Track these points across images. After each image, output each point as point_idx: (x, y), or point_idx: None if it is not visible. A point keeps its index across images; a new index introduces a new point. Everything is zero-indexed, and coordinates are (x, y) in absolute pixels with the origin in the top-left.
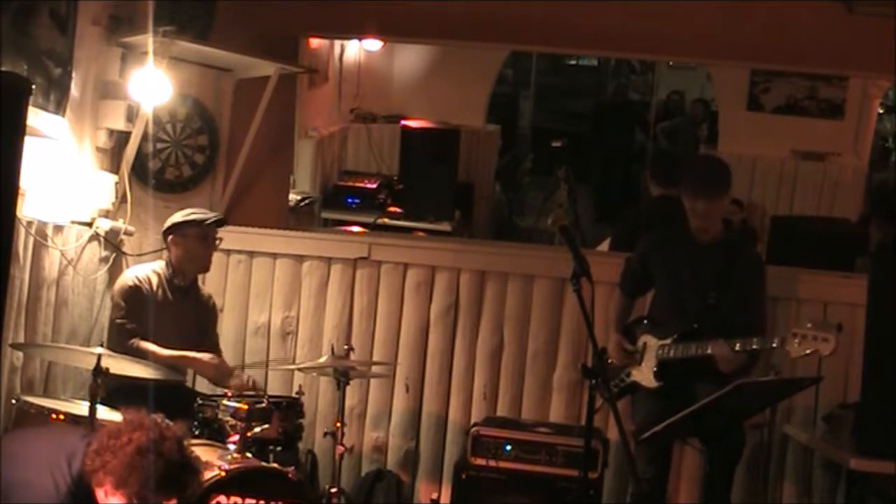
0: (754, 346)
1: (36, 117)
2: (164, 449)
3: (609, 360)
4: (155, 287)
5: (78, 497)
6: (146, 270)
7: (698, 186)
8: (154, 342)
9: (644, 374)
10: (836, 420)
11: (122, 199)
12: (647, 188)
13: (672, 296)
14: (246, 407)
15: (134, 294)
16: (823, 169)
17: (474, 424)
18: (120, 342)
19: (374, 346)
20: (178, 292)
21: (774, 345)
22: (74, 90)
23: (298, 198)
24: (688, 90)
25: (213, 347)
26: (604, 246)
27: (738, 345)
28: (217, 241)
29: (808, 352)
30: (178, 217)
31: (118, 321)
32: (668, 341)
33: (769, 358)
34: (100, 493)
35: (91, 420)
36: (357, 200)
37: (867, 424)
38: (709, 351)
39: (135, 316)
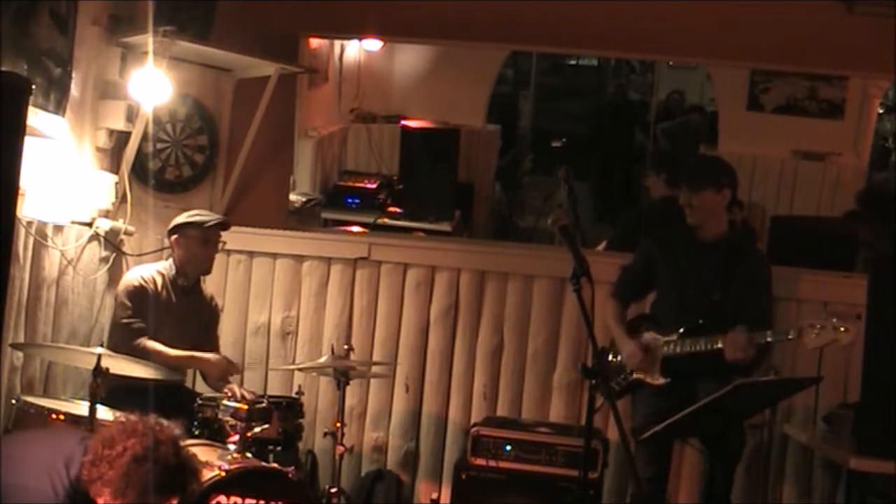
0: (768, 340)
1: (36, 117)
2: (160, 455)
3: (613, 360)
4: (159, 287)
5: (76, 501)
6: (150, 270)
7: (684, 179)
8: (159, 342)
9: (648, 372)
10: (836, 420)
11: (122, 199)
12: (647, 188)
13: (676, 295)
14: (246, 407)
15: (139, 294)
16: (823, 169)
17: (474, 424)
18: (126, 342)
19: (374, 346)
20: (182, 292)
21: (791, 336)
22: (74, 90)
23: (304, 199)
24: (688, 90)
25: (214, 348)
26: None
27: (751, 339)
28: (221, 244)
29: (826, 343)
30: (181, 218)
31: (124, 321)
32: (672, 338)
33: (770, 358)
34: (100, 502)
35: (91, 420)
36: (357, 200)
37: (867, 424)
38: (718, 345)
39: (140, 315)
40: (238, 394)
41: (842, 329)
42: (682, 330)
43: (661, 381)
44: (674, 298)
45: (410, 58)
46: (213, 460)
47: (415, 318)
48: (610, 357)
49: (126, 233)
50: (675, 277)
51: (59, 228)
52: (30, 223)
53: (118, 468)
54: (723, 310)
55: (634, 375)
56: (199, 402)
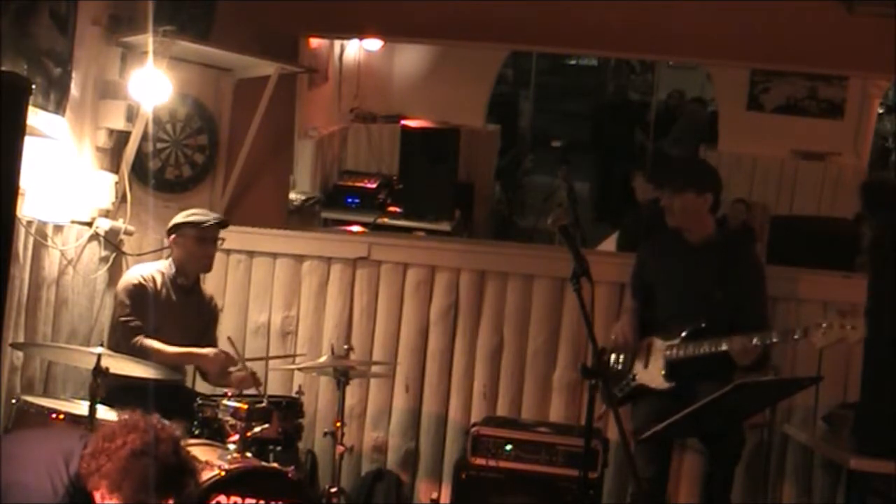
0: (773, 340)
1: (36, 117)
2: (159, 452)
3: (607, 356)
4: (159, 286)
5: (75, 498)
6: (150, 269)
7: (666, 181)
8: (158, 341)
9: (652, 376)
10: (836, 420)
11: (122, 199)
12: (633, 189)
13: (673, 298)
14: (246, 407)
15: (139, 292)
16: (823, 169)
17: (474, 424)
18: (124, 340)
19: (374, 346)
20: (181, 292)
21: (797, 337)
22: (74, 90)
23: (303, 198)
24: (688, 90)
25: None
26: (610, 241)
27: (755, 339)
28: (220, 242)
29: (833, 342)
30: (179, 217)
31: (123, 319)
32: (675, 341)
33: (770, 357)
34: (97, 496)
35: (91, 420)
36: (357, 200)
37: (867, 424)
38: (723, 347)
39: (139, 314)
40: (241, 376)
41: (849, 328)
42: (684, 333)
43: (665, 385)
44: (672, 302)
45: (410, 58)
46: (213, 460)
47: (415, 318)
48: (612, 362)
49: (126, 233)
50: (668, 281)
51: (59, 228)
52: (30, 223)
53: (116, 461)
54: (724, 310)
55: (637, 381)
56: (199, 401)
